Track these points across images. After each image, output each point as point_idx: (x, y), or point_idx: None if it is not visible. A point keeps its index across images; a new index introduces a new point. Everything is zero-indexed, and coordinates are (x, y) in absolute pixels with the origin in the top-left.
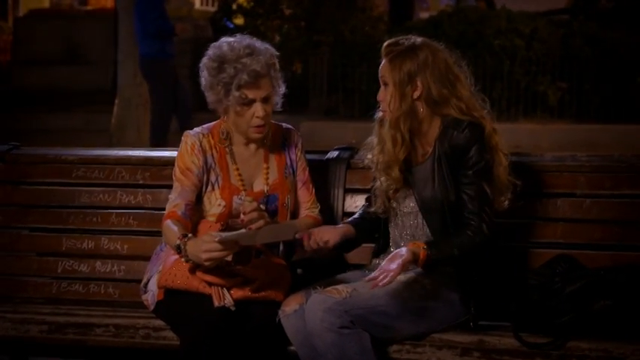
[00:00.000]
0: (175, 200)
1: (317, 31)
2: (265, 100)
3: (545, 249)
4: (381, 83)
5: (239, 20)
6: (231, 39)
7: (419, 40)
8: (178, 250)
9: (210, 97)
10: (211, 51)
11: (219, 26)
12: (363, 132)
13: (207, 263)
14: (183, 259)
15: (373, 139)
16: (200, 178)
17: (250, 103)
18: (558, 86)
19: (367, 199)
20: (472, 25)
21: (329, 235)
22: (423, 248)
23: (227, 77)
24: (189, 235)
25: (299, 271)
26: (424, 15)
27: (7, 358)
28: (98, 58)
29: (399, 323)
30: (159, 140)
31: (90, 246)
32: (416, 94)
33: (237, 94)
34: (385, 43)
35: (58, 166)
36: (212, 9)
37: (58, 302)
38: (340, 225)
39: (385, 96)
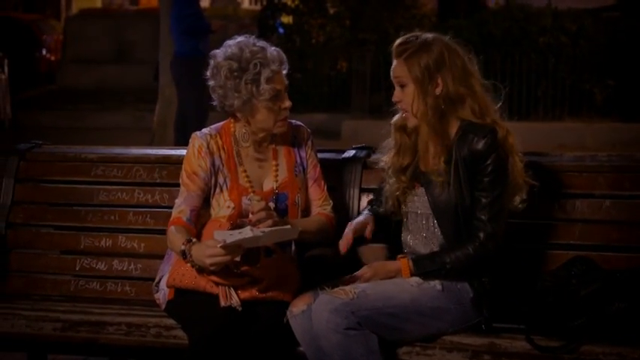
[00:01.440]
0: (180, 206)
1: (361, 30)
2: (285, 91)
3: (562, 250)
4: (396, 84)
5: (285, 19)
6: (229, 42)
7: (430, 35)
8: (184, 255)
9: (233, 100)
10: (220, 57)
11: (265, 25)
12: None
13: (212, 268)
14: (189, 264)
15: (390, 142)
16: (207, 181)
17: (278, 95)
18: (606, 84)
19: (369, 202)
20: (517, 23)
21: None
22: (409, 266)
23: (252, 74)
24: (194, 240)
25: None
26: None
27: (25, 355)
28: (146, 57)
29: (408, 325)
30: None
31: (108, 244)
32: (437, 91)
33: (267, 87)
34: (396, 43)
35: (77, 164)
36: (258, 8)
37: (75, 300)
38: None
39: (404, 96)
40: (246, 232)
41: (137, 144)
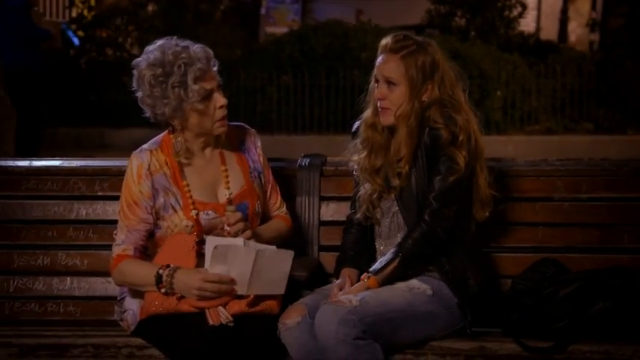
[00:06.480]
0: (122, 245)
1: None
2: (218, 89)
3: (526, 253)
4: (383, 82)
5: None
6: (151, 47)
7: (426, 39)
8: (159, 279)
9: (163, 108)
10: (143, 65)
11: (67, 38)
12: None
13: (195, 292)
14: (162, 290)
15: (357, 142)
16: (149, 209)
17: (209, 95)
18: None
19: (348, 217)
20: (338, 39)
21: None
22: (375, 280)
23: (179, 76)
24: (172, 265)
25: None
26: (271, 30)
27: None
28: None
29: (402, 330)
30: (29, 154)
31: (45, 262)
32: (425, 96)
33: (196, 87)
34: (391, 39)
35: (4, 177)
36: (62, 20)
37: (14, 324)
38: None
39: (390, 95)
40: (238, 243)
41: None
